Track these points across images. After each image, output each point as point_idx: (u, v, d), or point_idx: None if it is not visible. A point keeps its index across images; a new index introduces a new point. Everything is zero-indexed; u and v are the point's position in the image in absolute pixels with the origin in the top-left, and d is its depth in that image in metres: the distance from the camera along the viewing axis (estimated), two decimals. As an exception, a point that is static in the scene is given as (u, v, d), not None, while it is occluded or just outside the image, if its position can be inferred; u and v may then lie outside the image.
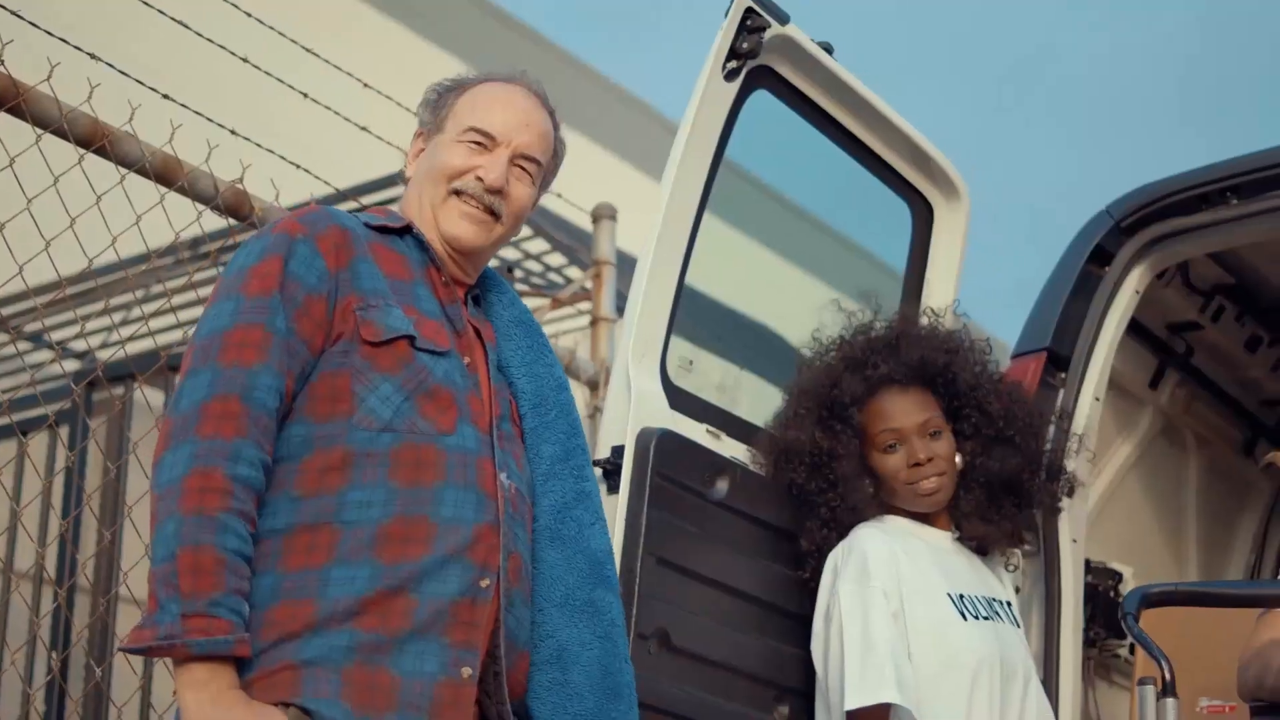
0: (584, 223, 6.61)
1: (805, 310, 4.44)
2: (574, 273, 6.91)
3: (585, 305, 6.33)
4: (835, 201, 5.00)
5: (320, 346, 2.84)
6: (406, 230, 3.06)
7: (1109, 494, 5.39)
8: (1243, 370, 5.83)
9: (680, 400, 3.91)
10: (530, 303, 6.01)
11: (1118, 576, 5.06)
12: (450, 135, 3.10)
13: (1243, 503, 6.05)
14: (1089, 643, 4.88)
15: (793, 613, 3.99)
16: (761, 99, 4.16)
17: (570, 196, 5.48)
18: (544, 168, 3.17)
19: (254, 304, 2.80)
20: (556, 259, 7.17)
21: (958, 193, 4.62)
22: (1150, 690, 3.41)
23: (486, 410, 2.98)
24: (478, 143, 3.08)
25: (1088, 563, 4.91)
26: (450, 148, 3.09)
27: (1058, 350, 4.71)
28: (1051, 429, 4.44)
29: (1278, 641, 3.49)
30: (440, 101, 3.17)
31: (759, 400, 4.40)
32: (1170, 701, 3.38)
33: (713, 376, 5.51)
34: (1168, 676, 3.38)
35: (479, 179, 3.05)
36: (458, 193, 3.06)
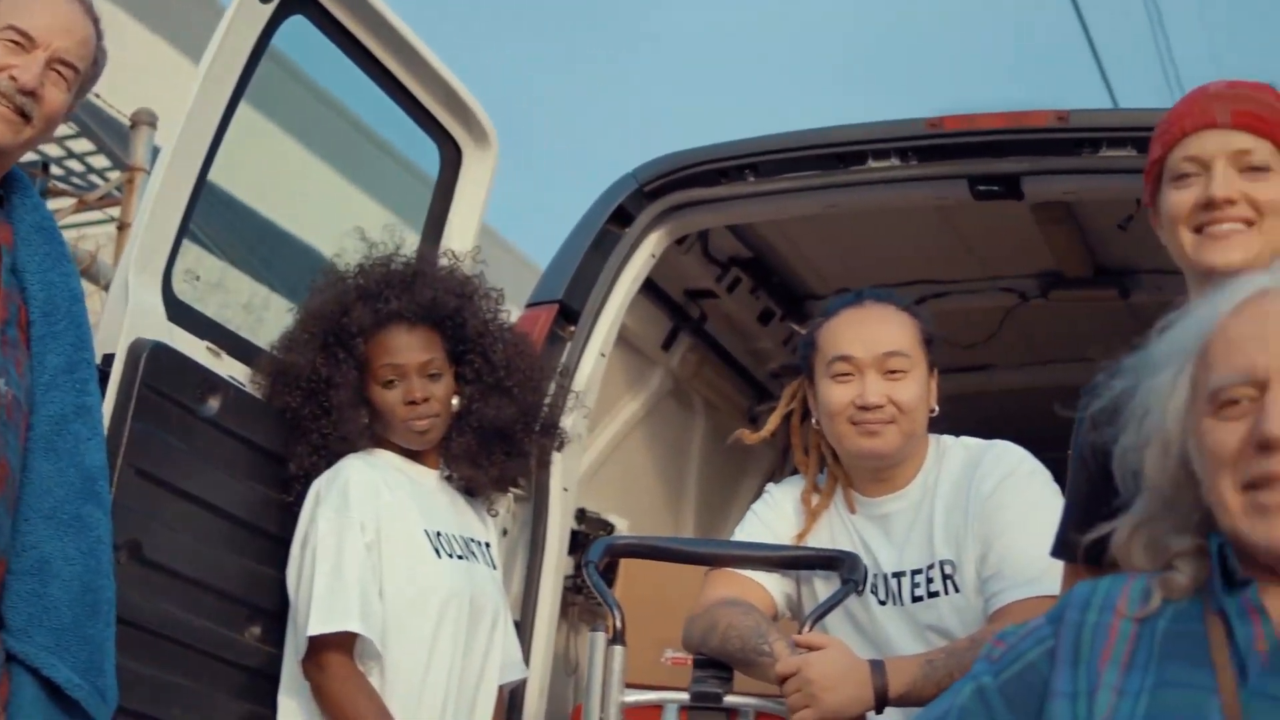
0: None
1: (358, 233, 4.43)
2: (117, 175, 6.79)
3: (116, 211, 6.23)
4: (393, 127, 5.01)
5: None
6: None
7: (613, 447, 5.54)
8: (754, 341, 6.07)
9: (181, 314, 3.87)
10: (58, 202, 5.83)
11: (610, 528, 5.21)
12: None
13: (744, 468, 6.29)
14: (576, 589, 5.01)
15: (273, 535, 4.01)
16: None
17: (120, 95, 5.38)
18: (82, 75, 3.15)
19: None
20: (101, 161, 7.02)
21: (487, 139, 4.67)
22: (601, 637, 3.55)
23: None
24: (15, 42, 3.05)
25: (583, 512, 5.04)
26: None
27: (569, 304, 4.80)
28: (553, 384, 4.56)
29: (721, 602, 3.65)
30: None
31: (286, 322, 4.38)
32: (618, 649, 3.52)
33: (240, 295, 5.44)
34: (618, 625, 3.52)
35: (13, 79, 3.02)
36: None
